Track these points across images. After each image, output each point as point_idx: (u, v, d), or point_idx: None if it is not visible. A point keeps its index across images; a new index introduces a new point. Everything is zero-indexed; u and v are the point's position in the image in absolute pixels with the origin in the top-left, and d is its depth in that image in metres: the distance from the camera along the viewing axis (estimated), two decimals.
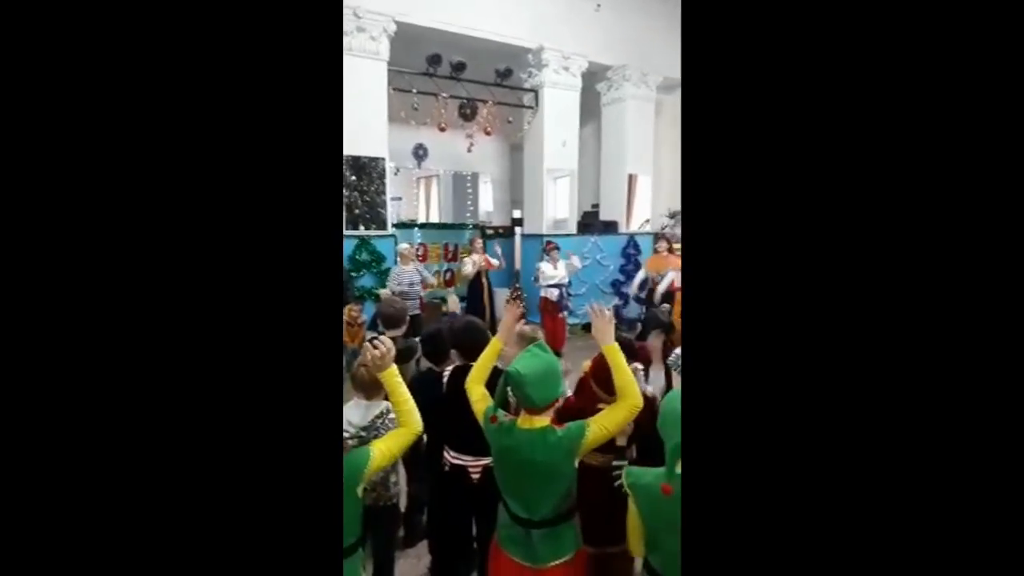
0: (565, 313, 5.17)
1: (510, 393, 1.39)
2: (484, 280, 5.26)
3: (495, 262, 5.31)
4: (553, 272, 5.01)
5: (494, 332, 1.65)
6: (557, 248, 5.14)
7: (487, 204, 8.14)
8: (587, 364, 1.68)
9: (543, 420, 1.33)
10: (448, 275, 6.53)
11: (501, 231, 7.25)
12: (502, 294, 5.74)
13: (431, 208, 8.81)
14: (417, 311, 4.43)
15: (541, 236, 6.20)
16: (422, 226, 6.67)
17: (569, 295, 5.34)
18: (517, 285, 5.88)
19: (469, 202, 8.21)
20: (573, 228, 6.45)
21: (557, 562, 1.33)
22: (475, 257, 5.23)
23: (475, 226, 6.98)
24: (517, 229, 7.16)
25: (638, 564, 1.33)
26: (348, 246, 4.98)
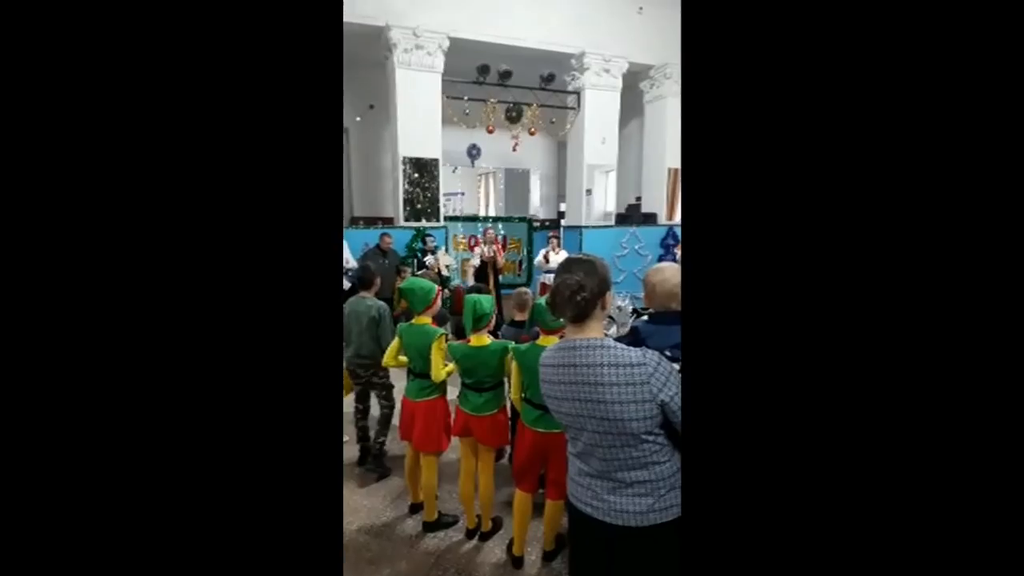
0: None
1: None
2: (490, 271, 5.64)
3: (501, 257, 5.75)
4: (554, 259, 5.60)
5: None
6: (557, 238, 5.78)
7: (536, 199, 8.69)
8: None
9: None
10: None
11: (547, 223, 7.79)
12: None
13: (489, 202, 9.53)
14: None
15: (580, 228, 6.68)
16: (475, 219, 7.35)
17: None
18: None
19: (524, 196, 8.80)
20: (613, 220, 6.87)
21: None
22: (483, 248, 5.75)
23: (523, 219, 7.56)
24: (562, 222, 7.67)
25: None
26: (407, 236, 5.78)
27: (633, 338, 1.66)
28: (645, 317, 1.92)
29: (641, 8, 6.38)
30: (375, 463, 2.89)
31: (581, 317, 1.18)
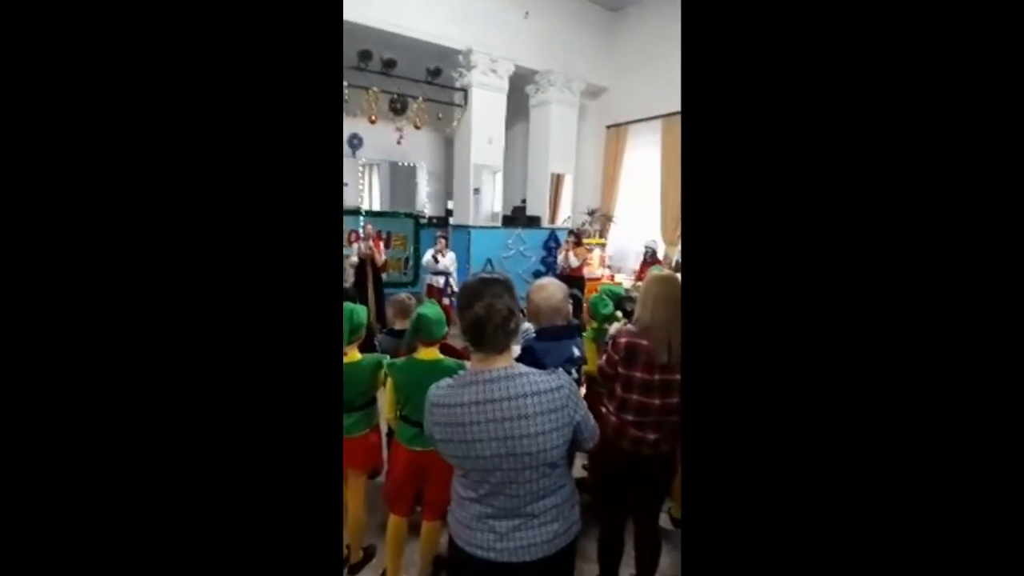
0: (448, 300, 5.60)
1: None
2: (369, 269, 5.42)
3: (379, 256, 5.51)
4: (440, 262, 5.57)
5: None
6: (445, 239, 5.78)
7: (424, 195, 8.45)
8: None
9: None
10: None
11: (435, 220, 7.61)
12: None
13: (374, 195, 9.02)
14: None
15: (468, 228, 6.62)
16: (356, 212, 6.92)
17: (449, 284, 5.80)
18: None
19: (411, 190, 8.49)
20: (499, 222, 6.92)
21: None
22: (360, 244, 5.50)
23: (409, 215, 7.30)
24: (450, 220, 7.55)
25: None
26: None
27: (531, 358, 1.63)
28: (532, 335, 1.89)
29: (528, 13, 6.48)
30: None
31: (507, 346, 1.09)
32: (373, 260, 5.44)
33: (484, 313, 1.06)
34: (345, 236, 6.43)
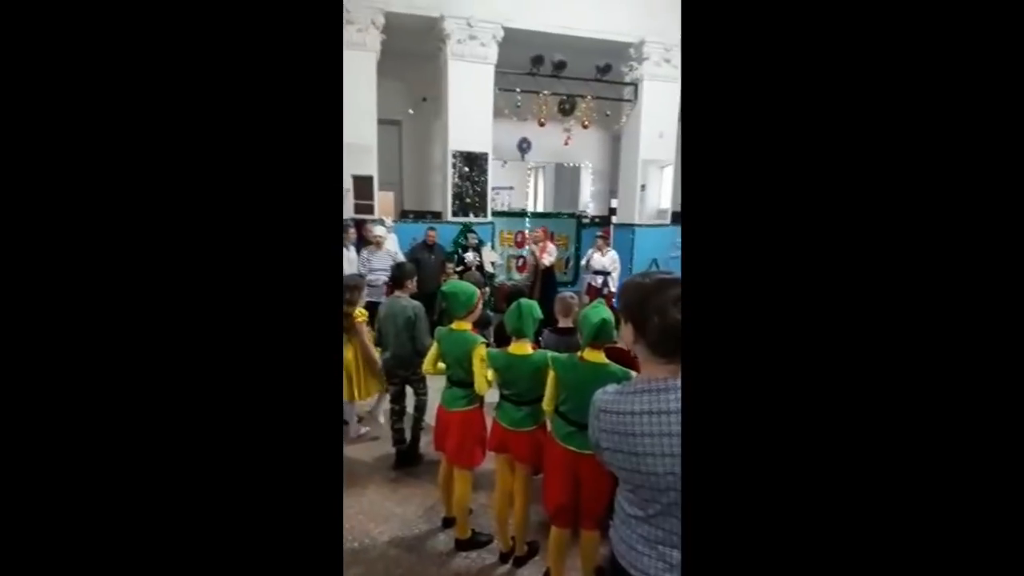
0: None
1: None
2: (538, 270, 5.44)
3: (547, 257, 5.44)
4: (600, 260, 5.34)
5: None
6: (605, 238, 5.51)
7: (587, 194, 8.42)
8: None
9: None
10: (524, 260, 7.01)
11: (597, 220, 7.52)
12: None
13: (539, 197, 9.34)
14: (381, 297, 4.23)
15: (632, 226, 6.38)
16: (522, 215, 7.20)
17: (607, 285, 5.49)
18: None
19: (575, 191, 8.56)
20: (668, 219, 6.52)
21: None
22: (532, 246, 5.54)
23: (572, 215, 7.33)
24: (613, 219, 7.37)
25: None
26: (454, 231, 5.71)
27: None
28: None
29: None
30: (407, 457, 2.86)
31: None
32: (536, 264, 5.56)
33: (669, 324, 0.95)
34: (512, 237, 6.76)
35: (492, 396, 2.16)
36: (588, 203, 8.19)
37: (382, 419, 3.33)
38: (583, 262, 5.84)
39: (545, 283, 5.45)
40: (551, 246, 5.65)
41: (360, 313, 2.93)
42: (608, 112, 6.33)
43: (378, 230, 4.92)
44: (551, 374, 1.88)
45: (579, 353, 1.81)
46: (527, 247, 5.79)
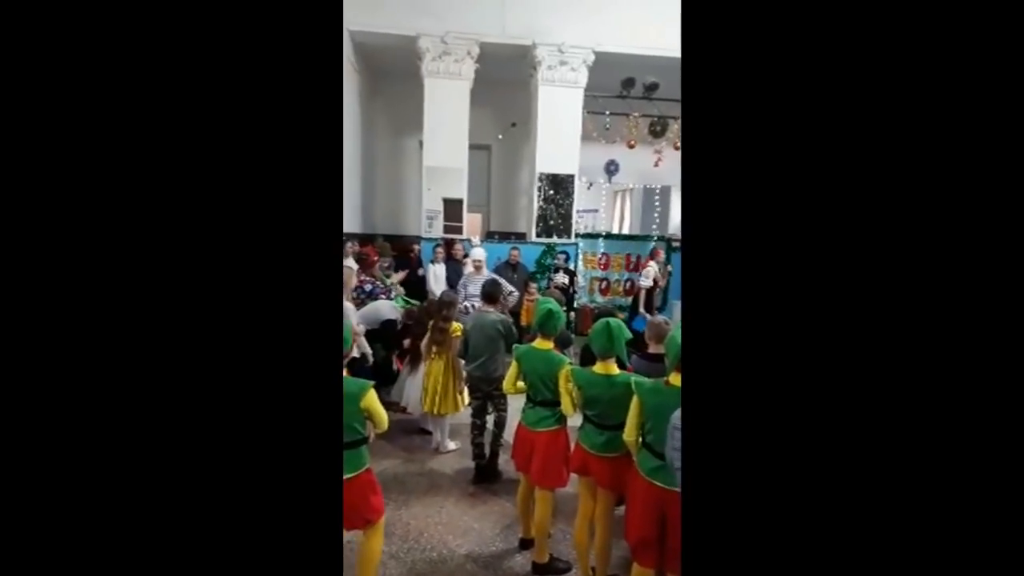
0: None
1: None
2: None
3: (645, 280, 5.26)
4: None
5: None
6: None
7: (677, 217, 8.12)
8: None
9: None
10: (628, 284, 6.82)
11: None
12: (678, 305, 5.81)
13: (624, 220, 9.17)
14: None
15: None
16: (607, 236, 7.10)
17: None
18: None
19: (657, 215, 8.31)
20: None
21: None
22: (654, 268, 5.37)
23: (660, 238, 7.09)
24: None
25: None
26: (537, 251, 5.76)
27: None
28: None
29: None
30: (486, 472, 2.86)
31: None
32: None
33: None
34: (595, 260, 6.66)
35: (575, 418, 2.10)
36: (679, 226, 7.88)
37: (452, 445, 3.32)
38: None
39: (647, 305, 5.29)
40: (651, 266, 5.44)
41: (456, 327, 3.02)
42: None
43: (477, 253, 4.44)
44: (635, 400, 1.78)
45: (664, 378, 1.72)
46: (647, 268, 5.56)
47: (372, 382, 1.75)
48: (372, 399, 1.72)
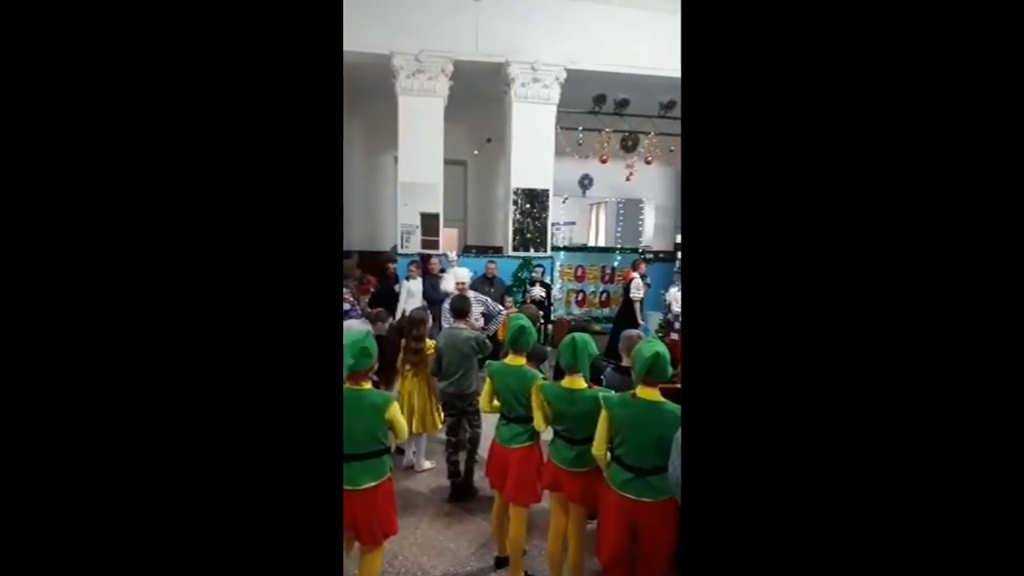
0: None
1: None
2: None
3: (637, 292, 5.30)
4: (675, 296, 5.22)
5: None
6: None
7: (650, 229, 8.28)
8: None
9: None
10: (604, 295, 6.90)
11: (661, 255, 7.34)
12: (654, 317, 5.90)
13: (600, 232, 9.31)
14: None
15: None
16: (583, 249, 7.19)
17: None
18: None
19: (637, 226, 8.46)
20: None
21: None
22: (639, 279, 5.40)
23: (634, 250, 7.21)
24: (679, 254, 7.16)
25: None
26: (514, 264, 5.79)
27: None
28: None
29: None
30: (462, 490, 2.84)
31: None
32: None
33: None
34: (572, 272, 6.73)
35: (548, 433, 2.11)
36: (651, 238, 8.04)
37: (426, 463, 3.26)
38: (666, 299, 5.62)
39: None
40: (636, 277, 5.48)
41: (430, 345, 3.01)
42: (672, 148, 6.26)
43: (461, 274, 3.86)
44: (603, 414, 1.79)
45: (632, 390, 1.74)
46: (633, 279, 5.57)
47: (394, 395, 1.83)
48: (395, 411, 1.85)
